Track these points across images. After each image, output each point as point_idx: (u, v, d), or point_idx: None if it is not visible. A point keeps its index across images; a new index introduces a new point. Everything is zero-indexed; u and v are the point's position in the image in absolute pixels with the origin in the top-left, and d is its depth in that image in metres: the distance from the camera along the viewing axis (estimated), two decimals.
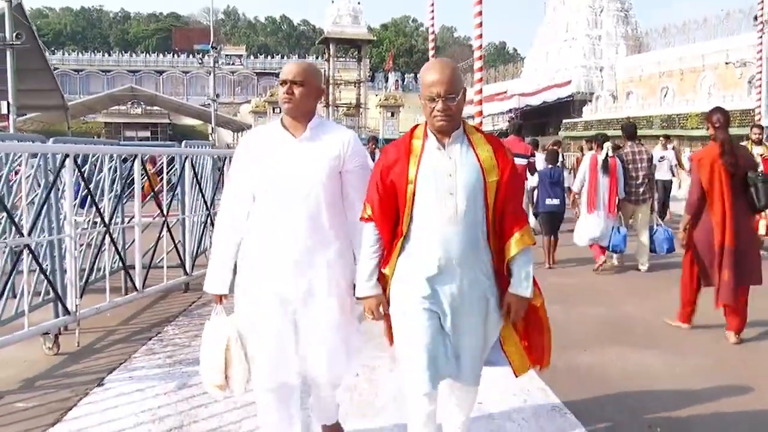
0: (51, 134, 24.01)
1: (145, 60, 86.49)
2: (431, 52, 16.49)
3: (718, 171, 6.11)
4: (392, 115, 53.06)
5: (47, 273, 5.53)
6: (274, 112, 50.35)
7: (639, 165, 9.80)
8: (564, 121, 49.31)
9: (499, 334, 3.25)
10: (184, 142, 8.33)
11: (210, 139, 50.70)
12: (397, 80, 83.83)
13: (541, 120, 54.73)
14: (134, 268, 6.73)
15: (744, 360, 5.64)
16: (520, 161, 9.96)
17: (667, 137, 17.26)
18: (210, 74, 46.60)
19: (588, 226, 9.80)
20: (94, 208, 6.41)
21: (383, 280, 3.20)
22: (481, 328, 3.15)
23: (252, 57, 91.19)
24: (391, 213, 3.13)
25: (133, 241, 7.00)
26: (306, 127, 3.30)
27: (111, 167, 6.85)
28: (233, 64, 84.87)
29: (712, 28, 48.90)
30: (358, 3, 58.65)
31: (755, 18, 23.92)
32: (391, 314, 3.21)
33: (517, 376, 3.34)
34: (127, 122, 67.95)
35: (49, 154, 5.64)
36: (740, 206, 6.10)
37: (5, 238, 5.34)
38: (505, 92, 59.29)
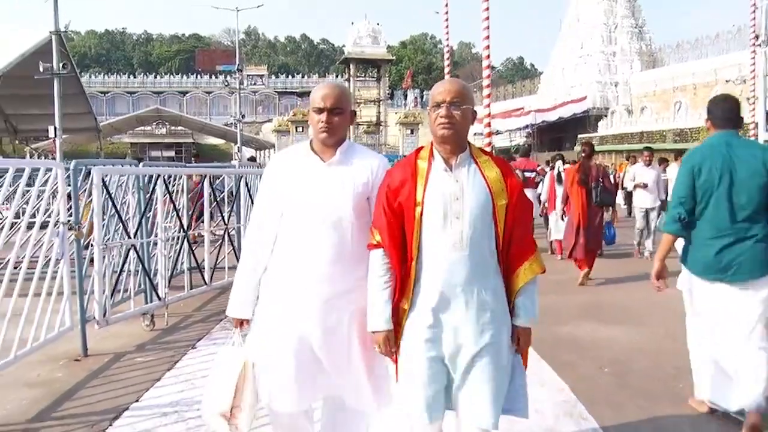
0: (79, 155, 25.54)
1: (169, 81, 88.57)
2: (446, 68, 17.80)
3: (576, 181, 10.21)
4: (411, 132, 54.40)
5: (146, 267, 7.13)
6: (296, 131, 51.81)
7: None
8: (579, 136, 50.25)
9: (515, 369, 3.11)
10: (237, 164, 9.92)
11: (235, 158, 52.31)
12: (416, 98, 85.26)
13: (557, 135, 55.96)
14: (204, 267, 8.30)
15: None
16: (529, 174, 13.26)
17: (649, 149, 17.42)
18: (233, 94, 48.34)
19: (550, 225, 12.95)
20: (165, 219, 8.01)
21: (400, 314, 3.06)
22: (493, 362, 2.96)
23: (273, 77, 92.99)
24: (399, 238, 3.02)
25: (198, 244, 8.59)
26: (335, 152, 3.23)
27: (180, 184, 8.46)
28: (255, 83, 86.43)
29: (724, 43, 50.15)
30: (378, 24, 60.48)
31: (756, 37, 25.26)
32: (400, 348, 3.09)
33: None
34: (152, 142, 69.41)
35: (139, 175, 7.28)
36: (590, 202, 10.12)
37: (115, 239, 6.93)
38: (522, 108, 60.48)
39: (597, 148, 42.21)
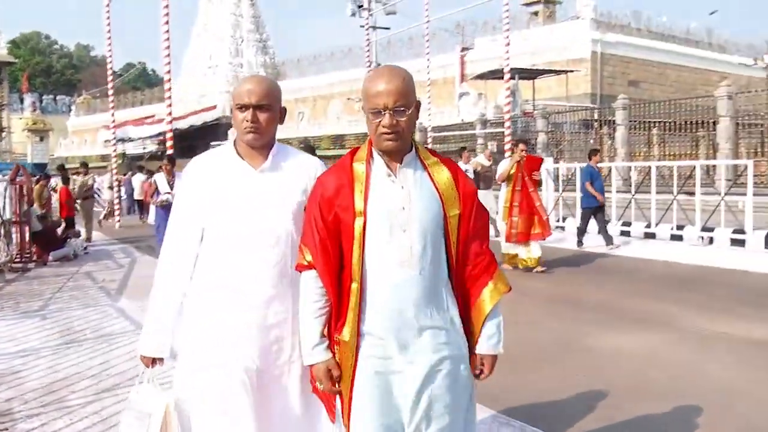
0: None
1: None
2: (110, 80, 18.85)
3: None
4: (41, 139, 52.92)
5: None
6: None
7: None
8: (211, 143, 52.40)
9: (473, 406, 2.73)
10: None
11: None
12: (34, 102, 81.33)
13: (190, 143, 57.51)
14: None
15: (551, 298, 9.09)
16: None
17: (464, 148, 18.09)
18: None
19: None
20: None
21: (342, 347, 2.59)
22: (449, 397, 2.57)
23: None
24: (335, 257, 2.59)
25: None
26: (266, 156, 2.83)
27: None
28: None
29: (338, 61, 56.42)
30: None
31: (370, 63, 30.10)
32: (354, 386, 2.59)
33: None
34: None
35: None
36: None
37: None
38: (154, 116, 61.05)
39: None
